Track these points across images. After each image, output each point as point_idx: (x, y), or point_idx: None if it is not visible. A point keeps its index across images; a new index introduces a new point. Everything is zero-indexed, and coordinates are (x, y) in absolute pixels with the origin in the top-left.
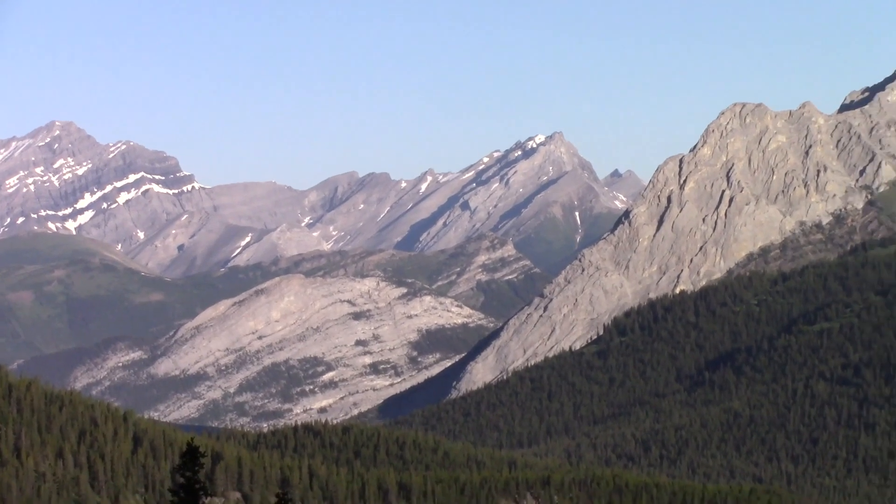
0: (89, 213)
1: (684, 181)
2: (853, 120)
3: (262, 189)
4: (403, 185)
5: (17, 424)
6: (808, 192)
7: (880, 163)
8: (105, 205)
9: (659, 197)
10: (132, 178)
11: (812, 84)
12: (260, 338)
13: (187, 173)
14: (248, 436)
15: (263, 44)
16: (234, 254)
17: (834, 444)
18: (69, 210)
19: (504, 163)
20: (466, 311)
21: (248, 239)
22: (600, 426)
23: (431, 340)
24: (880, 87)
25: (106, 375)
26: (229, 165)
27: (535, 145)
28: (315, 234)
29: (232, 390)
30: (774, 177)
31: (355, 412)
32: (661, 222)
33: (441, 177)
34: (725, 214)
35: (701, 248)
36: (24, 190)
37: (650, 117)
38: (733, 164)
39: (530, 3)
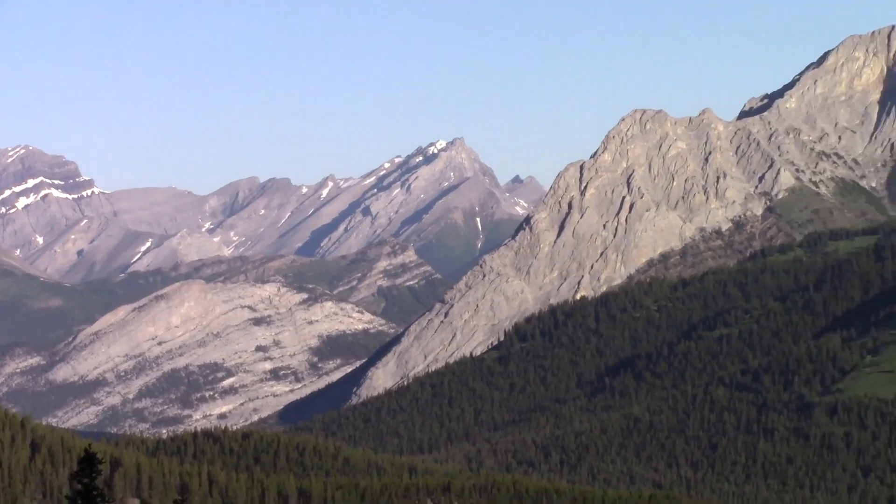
0: None
1: (585, 187)
2: (752, 127)
3: (162, 194)
4: (305, 190)
5: None
6: (707, 198)
7: (779, 169)
8: (3, 210)
9: (560, 203)
10: (31, 182)
11: (712, 91)
12: (160, 343)
13: (87, 178)
14: (147, 442)
15: (161, 47)
16: (134, 259)
17: (733, 449)
18: None
19: (405, 168)
20: (367, 316)
21: (148, 244)
22: (501, 432)
23: (332, 346)
24: (779, 94)
25: (3, 381)
26: (129, 170)
27: (436, 151)
28: (215, 239)
29: (131, 396)
30: (674, 183)
31: (255, 418)
32: (561, 228)
33: (342, 182)
34: (626, 220)
35: (601, 254)
36: None
37: (551, 123)
38: (634, 171)
39: (429, 8)
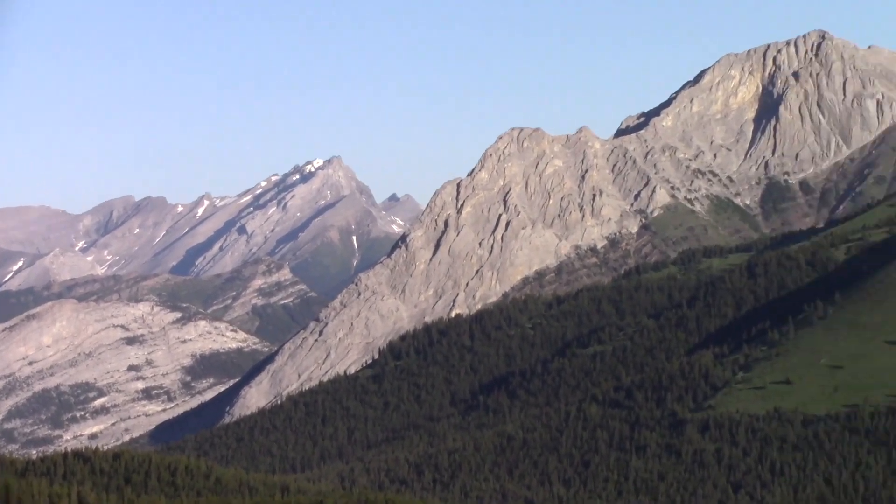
0: None
1: (461, 205)
2: (629, 145)
3: (34, 213)
4: (180, 209)
5: None
6: (583, 216)
7: (655, 187)
8: None
9: (436, 221)
10: None
11: (589, 109)
12: (30, 363)
13: None
14: (17, 462)
15: (33, 66)
16: (6, 278)
17: (605, 466)
18: None
19: (282, 187)
20: (241, 335)
21: (20, 263)
22: (374, 450)
23: (206, 365)
24: (655, 112)
25: None
26: (2, 189)
27: (313, 169)
28: (89, 258)
29: (0, 417)
30: (551, 201)
31: (127, 438)
32: (437, 246)
33: (218, 201)
34: (502, 238)
35: (477, 272)
36: None
37: (428, 141)
38: (510, 189)
39: (304, 25)
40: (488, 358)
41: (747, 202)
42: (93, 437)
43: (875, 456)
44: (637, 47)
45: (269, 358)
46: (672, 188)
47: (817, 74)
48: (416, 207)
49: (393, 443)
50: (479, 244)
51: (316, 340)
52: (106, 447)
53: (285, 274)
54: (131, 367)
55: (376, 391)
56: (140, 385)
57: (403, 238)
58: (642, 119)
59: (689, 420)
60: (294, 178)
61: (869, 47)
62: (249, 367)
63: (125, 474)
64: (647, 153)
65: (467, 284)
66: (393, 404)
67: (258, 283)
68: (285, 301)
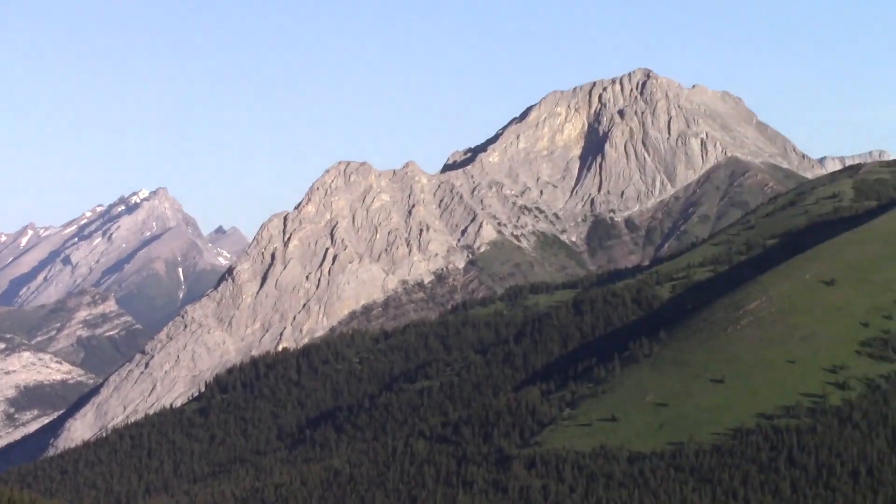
0: None
1: (288, 238)
2: (456, 180)
3: None
4: (3, 238)
5: None
6: (410, 250)
7: (482, 223)
8: None
9: (263, 254)
10: None
11: (416, 144)
12: None
13: None
14: None
15: None
16: None
17: (432, 501)
18: None
19: (107, 217)
20: (66, 367)
21: None
22: (200, 484)
23: (29, 397)
24: (482, 148)
25: None
26: None
27: (138, 200)
28: None
29: None
30: (378, 235)
31: None
32: (264, 279)
33: (42, 231)
34: (329, 272)
35: (304, 306)
36: None
37: (255, 174)
38: (337, 222)
39: (127, 55)
40: (315, 392)
41: (573, 239)
42: None
43: (700, 493)
44: (464, 82)
45: (95, 390)
46: (499, 224)
47: (642, 113)
48: (243, 240)
49: (219, 476)
50: (306, 278)
51: (142, 373)
52: None
53: (111, 305)
54: None
55: (202, 424)
56: None
57: (230, 271)
58: (469, 154)
59: (515, 456)
60: (119, 209)
61: (693, 87)
62: (74, 399)
63: None
64: (474, 189)
65: (294, 318)
66: (219, 438)
67: (83, 314)
68: (111, 333)
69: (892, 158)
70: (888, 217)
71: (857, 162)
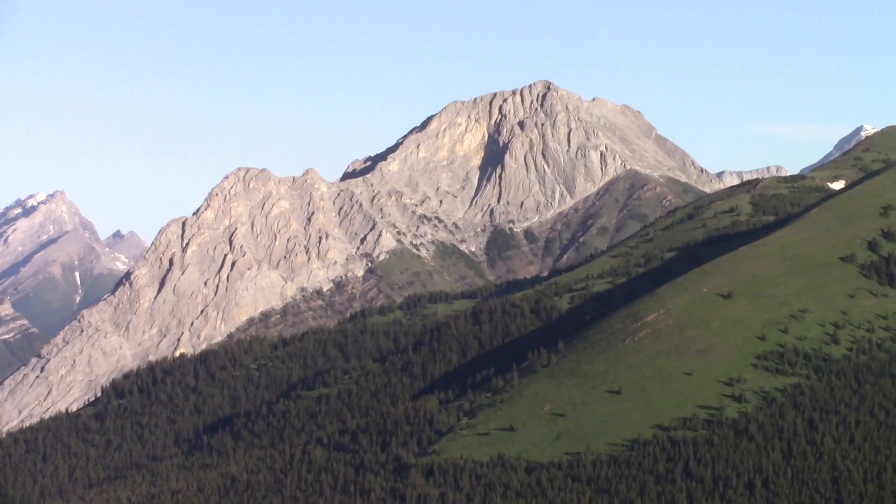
0: None
1: (187, 244)
2: (355, 188)
3: None
4: None
5: None
6: (309, 258)
7: (381, 231)
8: None
9: (161, 259)
10: None
11: (316, 151)
12: None
13: None
14: None
15: None
16: None
17: None
18: None
19: (3, 220)
20: None
21: None
22: (96, 489)
23: None
24: (382, 156)
25: None
26: None
27: (35, 203)
28: None
29: None
30: (277, 242)
31: None
32: (162, 285)
33: None
34: (227, 278)
35: (202, 312)
36: None
37: (154, 179)
38: (236, 229)
39: (34, 57)
40: (213, 398)
41: (472, 249)
42: None
43: None
44: (365, 90)
45: None
46: (398, 233)
47: (542, 124)
48: (141, 245)
49: (115, 482)
50: (205, 283)
51: (37, 377)
52: None
53: (6, 309)
54: None
55: (98, 429)
56: None
57: (128, 275)
58: (369, 163)
59: (413, 465)
60: (16, 212)
61: (593, 99)
62: None
63: None
64: (374, 197)
65: (192, 324)
66: (115, 443)
67: None
68: (5, 336)
69: (789, 174)
70: (785, 232)
71: (754, 177)
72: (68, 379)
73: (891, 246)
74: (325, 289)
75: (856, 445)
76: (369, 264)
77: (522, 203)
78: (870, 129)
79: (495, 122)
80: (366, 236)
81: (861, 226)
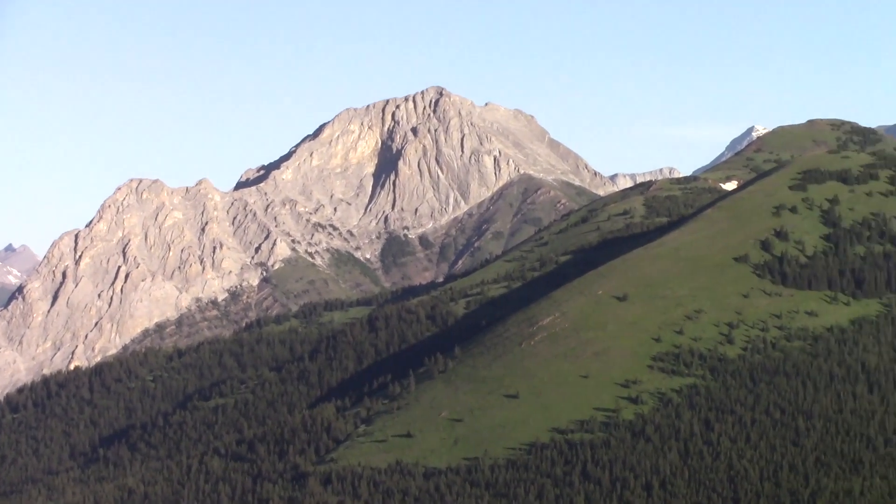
0: None
1: (80, 256)
2: (249, 198)
3: None
4: None
5: None
6: (204, 268)
7: (275, 240)
8: None
9: (54, 272)
10: None
11: (209, 161)
12: None
13: None
14: None
15: None
16: None
17: None
18: None
19: None
20: None
21: None
22: None
23: None
24: (275, 165)
25: None
26: None
27: None
28: None
29: None
30: (171, 253)
31: None
32: (55, 298)
33: None
34: (121, 290)
35: (96, 324)
36: None
37: (46, 191)
38: (129, 240)
39: None
40: (108, 411)
41: (368, 256)
42: None
43: None
44: (257, 98)
45: None
46: (293, 241)
47: (436, 130)
48: (34, 258)
49: (10, 497)
50: (99, 296)
51: None
52: None
53: None
54: None
55: None
56: None
57: (20, 289)
58: (262, 172)
59: (311, 473)
60: None
61: (486, 104)
62: None
63: None
64: (268, 206)
65: (86, 336)
66: (10, 458)
67: None
68: None
69: (682, 175)
70: (679, 233)
71: (647, 179)
72: None
73: (783, 245)
74: (220, 299)
75: (752, 444)
76: (264, 273)
77: (417, 209)
78: (761, 130)
79: (388, 128)
80: (260, 245)
81: (754, 226)
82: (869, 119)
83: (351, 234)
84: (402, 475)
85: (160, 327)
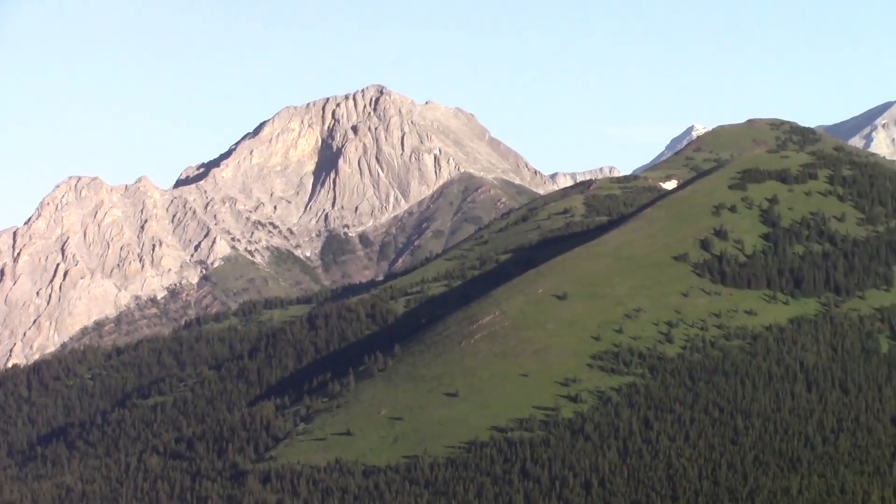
0: None
1: (18, 254)
2: (189, 195)
3: None
4: None
5: None
6: (143, 266)
7: (215, 238)
8: None
9: None
10: None
11: (148, 158)
12: None
13: None
14: None
15: None
16: None
17: None
18: None
19: None
20: None
21: None
22: None
23: None
24: (215, 163)
25: None
26: None
27: None
28: None
29: None
30: (110, 251)
31: None
32: None
33: None
34: (60, 288)
35: (35, 322)
36: None
37: None
38: (68, 238)
39: None
40: (46, 409)
41: (307, 254)
42: None
43: None
44: (197, 96)
45: None
46: (232, 239)
47: (376, 129)
48: None
49: None
50: (37, 293)
51: None
52: None
53: None
54: None
55: None
56: None
57: None
58: (202, 170)
59: (250, 471)
60: None
61: (426, 103)
62: None
63: None
64: (208, 204)
65: (24, 334)
66: None
67: None
68: None
69: (622, 174)
70: (619, 232)
71: (587, 178)
72: None
73: (723, 245)
74: (159, 297)
75: (691, 443)
76: (203, 271)
77: (357, 207)
78: (701, 129)
79: (328, 126)
80: (200, 243)
81: (693, 225)
82: (808, 119)
83: (291, 232)
84: (341, 473)
85: (99, 325)
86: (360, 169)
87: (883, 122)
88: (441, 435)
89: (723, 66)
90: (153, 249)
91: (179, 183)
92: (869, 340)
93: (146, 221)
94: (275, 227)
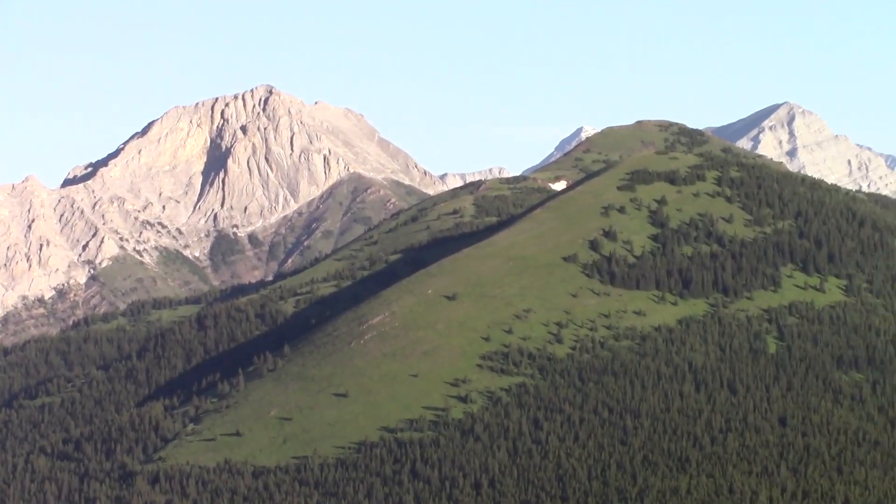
0: None
1: None
2: (76, 195)
3: None
4: None
5: None
6: (30, 266)
7: (103, 238)
8: None
9: None
10: None
11: (35, 158)
12: None
13: None
14: None
15: None
16: None
17: None
18: None
19: None
20: None
21: None
22: None
23: None
24: (103, 162)
25: None
26: None
27: None
28: None
29: None
30: None
31: None
32: None
33: None
34: None
35: None
36: None
37: None
38: None
39: None
40: None
41: (196, 254)
42: None
43: None
44: (84, 94)
45: None
46: (121, 239)
47: (265, 129)
48: None
49: None
50: None
51: None
52: None
53: None
54: None
55: None
56: None
57: None
58: (90, 169)
59: (139, 472)
60: None
61: (316, 103)
62: None
63: None
64: (95, 203)
65: None
66: None
67: None
68: None
69: (511, 175)
70: (508, 233)
71: (477, 178)
72: None
73: (612, 245)
74: (46, 297)
75: (580, 443)
76: (91, 271)
77: (246, 208)
78: (590, 130)
79: (217, 126)
80: (88, 243)
81: (582, 226)
82: (696, 121)
83: (180, 232)
84: (230, 474)
85: None
86: (249, 169)
87: (770, 124)
88: (331, 435)
89: (611, 68)
90: (40, 249)
91: (67, 182)
92: (757, 341)
93: (33, 221)
94: (163, 226)
